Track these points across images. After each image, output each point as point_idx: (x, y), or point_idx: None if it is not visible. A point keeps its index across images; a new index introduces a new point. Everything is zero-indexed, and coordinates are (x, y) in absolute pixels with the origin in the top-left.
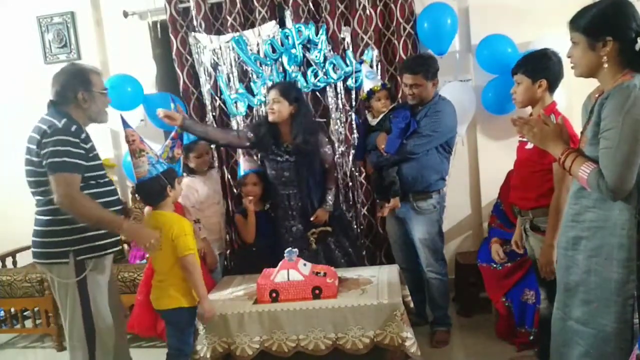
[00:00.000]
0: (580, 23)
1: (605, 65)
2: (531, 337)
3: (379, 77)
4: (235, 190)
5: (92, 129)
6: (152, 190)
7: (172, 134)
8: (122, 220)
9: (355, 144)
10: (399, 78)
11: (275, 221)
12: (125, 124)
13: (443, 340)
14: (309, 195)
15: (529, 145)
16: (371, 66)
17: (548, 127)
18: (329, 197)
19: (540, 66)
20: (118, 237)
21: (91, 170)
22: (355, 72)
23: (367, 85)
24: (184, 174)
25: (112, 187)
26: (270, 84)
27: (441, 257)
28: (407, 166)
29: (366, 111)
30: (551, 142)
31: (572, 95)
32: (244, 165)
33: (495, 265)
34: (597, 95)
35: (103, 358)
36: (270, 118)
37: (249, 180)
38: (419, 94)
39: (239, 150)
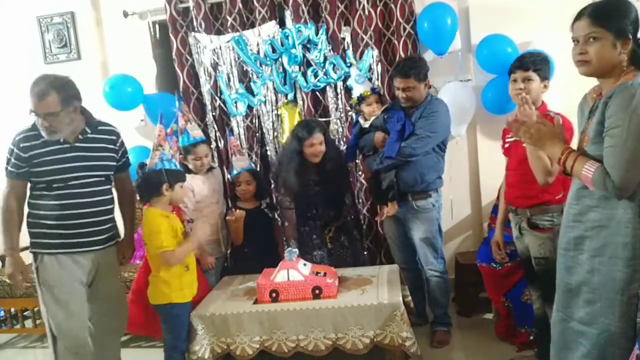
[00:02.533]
0: (607, 18)
1: (625, 64)
2: (531, 337)
3: (368, 81)
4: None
5: None
6: (150, 183)
7: (167, 130)
8: (12, 253)
9: None
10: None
11: (297, 219)
12: (160, 121)
13: (443, 340)
14: (330, 201)
15: None
16: (370, 69)
17: (545, 128)
18: (347, 200)
19: (547, 68)
20: (79, 240)
21: (38, 175)
22: None
23: (357, 90)
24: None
25: (65, 200)
26: (270, 84)
27: (441, 255)
28: (406, 168)
29: (360, 114)
30: (548, 142)
31: (569, 96)
32: (236, 164)
33: (495, 265)
34: (594, 95)
35: (66, 356)
36: (316, 160)
37: (242, 179)
38: (412, 96)
39: (230, 150)
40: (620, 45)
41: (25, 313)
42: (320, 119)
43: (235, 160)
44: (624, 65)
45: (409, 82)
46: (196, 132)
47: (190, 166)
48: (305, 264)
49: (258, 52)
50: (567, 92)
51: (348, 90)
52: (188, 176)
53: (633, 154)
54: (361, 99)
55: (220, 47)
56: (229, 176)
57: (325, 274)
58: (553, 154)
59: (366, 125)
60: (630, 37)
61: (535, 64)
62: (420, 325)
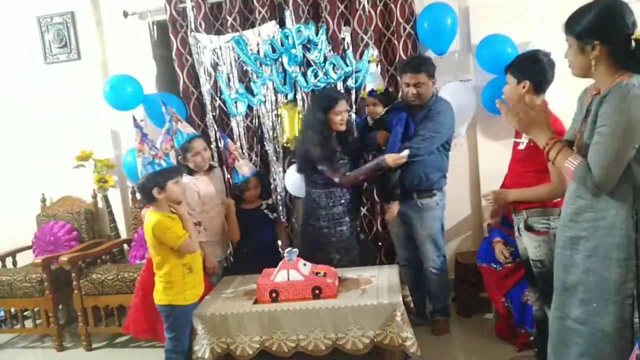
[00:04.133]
0: (572, 27)
1: (594, 69)
2: (531, 338)
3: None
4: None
5: (93, 128)
6: (141, 191)
7: (162, 129)
8: None
9: None
10: (399, 78)
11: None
12: (134, 123)
13: (443, 328)
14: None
15: (522, 146)
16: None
17: (533, 113)
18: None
19: (525, 68)
20: None
21: None
22: (355, 72)
23: (370, 86)
24: (184, 173)
25: None
26: (270, 84)
27: (442, 253)
28: (412, 167)
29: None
30: (537, 127)
31: (570, 96)
32: (242, 170)
33: (495, 266)
34: (594, 92)
35: None
36: (343, 128)
37: (252, 185)
38: (422, 92)
39: (228, 152)
40: (590, 50)
41: (25, 313)
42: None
43: (239, 165)
44: (593, 69)
45: (420, 77)
46: (188, 129)
47: (191, 165)
48: (305, 264)
49: (258, 52)
50: (567, 92)
51: (348, 91)
52: (192, 178)
53: (616, 154)
54: (373, 93)
55: (220, 47)
56: (228, 175)
57: (325, 274)
58: (538, 141)
59: (371, 123)
60: (599, 42)
61: (510, 65)
62: (420, 325)
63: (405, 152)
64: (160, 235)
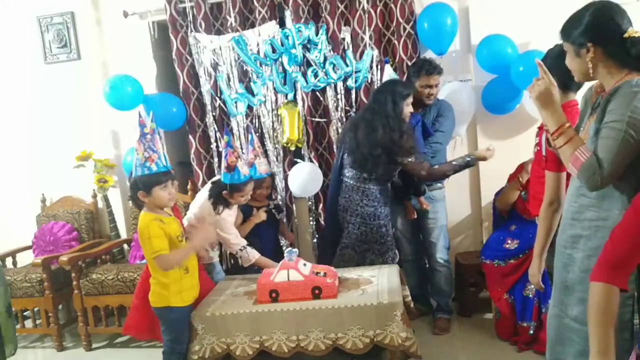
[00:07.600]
0: (566, 32)
1: (592, 71)
2: (531, 332)
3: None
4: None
5: (93, 128)
6: (131, 190)
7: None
8: None
9: None
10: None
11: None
12: (138, 121)
13: (445, 327)
14: None
15: (534, 149)
16: (370, 69)
17: (555, 89)
18: None
19: (552, 65)
20: None
21: None
22: (355, 72)
23: None
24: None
25: None
26: (270, 84)
27: (448, 245)
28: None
29: None
30: (553, 106)
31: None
32: (260, 168)
33: (499, 262)
34: (599, 90)
35: None
36: (407, 120)
37: (265, 184)
38: (437, 92)
39: (246, 151)
40: (585, 53)
41: (25, 313)
42: (320, 119)
43: (259, 163)
44: (590, 72)
45: (438, 79)
46: (245, 170)
47: (233, 201)
48: (305, 264)
49: (258, 52)
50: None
51: (348, 90)
52: (229, 211)
53: (623, 149)
54: None
55: (220, 47)
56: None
57: (325, 274)
58: (549, 123)
59: None
60: (592, 44)
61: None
62: (426, 314)
63: (493, 147)
64: (142, 241)
